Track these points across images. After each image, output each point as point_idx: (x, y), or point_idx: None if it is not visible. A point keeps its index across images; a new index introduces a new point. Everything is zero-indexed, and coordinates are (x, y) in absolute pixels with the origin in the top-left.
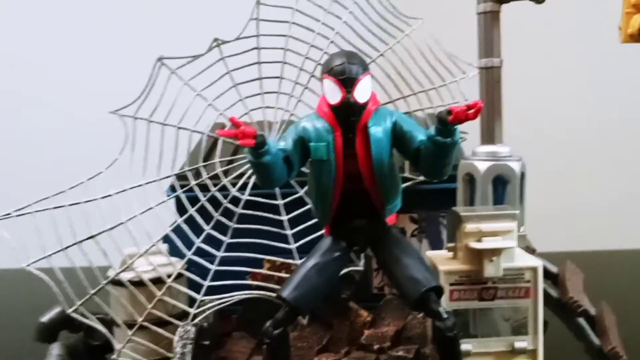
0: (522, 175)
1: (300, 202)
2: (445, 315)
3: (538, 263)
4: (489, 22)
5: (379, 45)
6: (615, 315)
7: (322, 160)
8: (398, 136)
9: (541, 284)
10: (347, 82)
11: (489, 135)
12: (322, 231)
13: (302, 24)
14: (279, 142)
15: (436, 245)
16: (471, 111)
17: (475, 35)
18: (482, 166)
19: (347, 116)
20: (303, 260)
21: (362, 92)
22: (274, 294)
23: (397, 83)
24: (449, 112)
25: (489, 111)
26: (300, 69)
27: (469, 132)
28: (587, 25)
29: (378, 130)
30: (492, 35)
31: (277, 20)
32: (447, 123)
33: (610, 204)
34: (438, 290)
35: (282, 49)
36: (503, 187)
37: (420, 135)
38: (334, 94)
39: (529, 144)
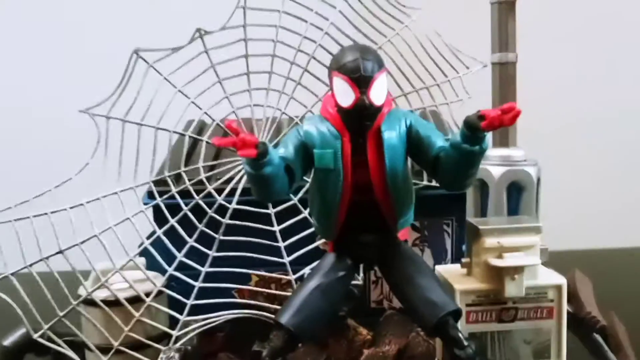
0: (538, 180)
1: (294, 210)
2: (465, 343)
3: (562, 281)
4: (504, 12)
5: (376, 38)
6: (624, 325)
7: (328, 169)
8: (414, 142)
9: (565, 303)
10: (361, 81)
11: (503, 137)
12: (319, 242)
13: (293, 14)
14: (279, 149)
15: (439, 255)
16: (507, 116)
17: (488, 26)
18: (496, 171)
19: (361, 120)
20: (304, 280)
21: (378, 93)
22: (264, 313)
23: (397, 79)
24: (482, 116)
25: None
26: (292, 63)
27: None
28: (605, 17)
29: (392, 136)
30: (507, 27)
31: (266, 8)
32: (478, 129)
33: (620, 203)
34: (456, 314)
35: (271, 40)
36: (518, 195)
37: (440, 141)
38: (346, 95)
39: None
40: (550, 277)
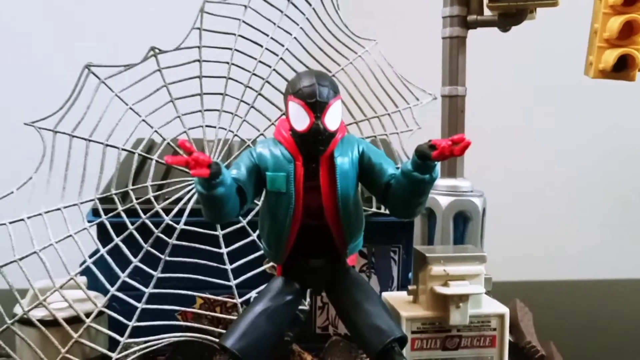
0: (484, 211)
1: (242, 233)
2: None
3: (505, 310)
4: (455, 47)
5: (330, 66)
6: (561, 355)
7: (280, 192)
8: (366, 168)
9: (507, 332)
10: (316, 107)
11: (451, 167)
12: (266, 266)
13: (249, 38)
14: (231, 170)
15: (386, 281)
16: (457, 146)
17: (440, 60)
18: (444, 201)
19: (315, 145)
20: (251, 303)
21: (332, 118)
22: (208, 336)
23: (349, 107)
24: (433, 146)
25: None
26: (246, 86)
27: None
28: (552, 55)
29: (345, 161)
30: (457, 61)
31: (222, 31)
32: (428, 158)
33: (560, 236)
34: (402, 341)
35: (226, 63)
36: (464, 224)
37: (391, 169)
38: (301, 119)
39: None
40: (493, 306)
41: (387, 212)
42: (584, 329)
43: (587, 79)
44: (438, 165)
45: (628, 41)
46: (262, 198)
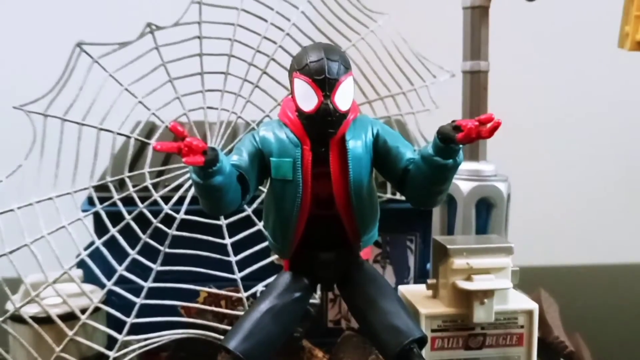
0: (508, 197)
1: (247, 222)
2: None
3: (534, 306)
4: (477, 18)
5: (340, 42)
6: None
7: (286, 180)
8: (381, 153)
9: (536, 329)
10: (325, 84)
11: (472, 150)
12: (273, 257)
13: (253, 12)
14: (232, 157)
15: (401, 272)
16: (485, 127)
17: (460, 33)
18: (465, 186)
19: (324, 127)
20: (256, 300)
21: (343, 97)
22: (212, 333)
23: (361, 85)
24: (457, 127)
25: None
26: (250, 64)
27: None
28: (579, 26)
29: (357, 145)
30: (479, 34)
31: (224, 5)
32: (452, 140)
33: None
34: (421, 341)
35: (228, 39)
36: (487, 212)
37: (409, 153)
38: (308, 99)
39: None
40: (521, 302)
41: (403, 198)
42: (611, 318)
43: (621, 52)
44: (462, 149)
45: None
46: (267, 186)
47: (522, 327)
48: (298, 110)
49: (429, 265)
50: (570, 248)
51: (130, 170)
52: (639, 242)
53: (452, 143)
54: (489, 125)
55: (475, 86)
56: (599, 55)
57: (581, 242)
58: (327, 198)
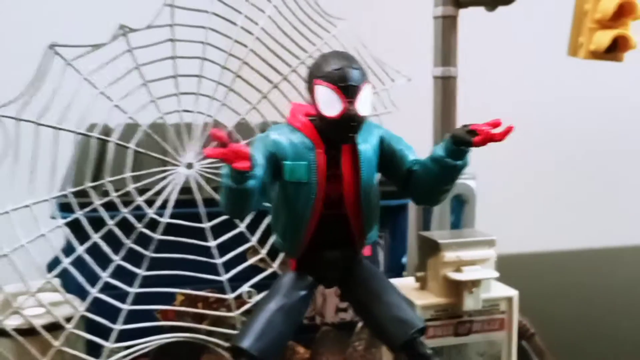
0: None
1: (230, 224)
2: (436, 359)
3: (513, 292)
4: (447, 27)
5: (306, 46)
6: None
7: (300, 182)
8: (387, 155)
9: (516, 314)
10: (349, 91)
11: None
12: (253, 260)
13: (223, 15)
14: None
15: None
16: (498, 131)
17: (431, 41)
18: None
19: (347, 132)
20: (263, 300)
21: (364, 103)
22: (197, 335)
23: None
24: (472, 131)
25: (444, 125)
26: (223, 67)
27: (417, 147)
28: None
29: (367, 148)
30: (449, 42)
31: (194, 8)
32: (469, 144)
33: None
34: (422, 331)
35: (201, 42)
36: (459, 208)
37: (411, 154)
38: (332, 105)
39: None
40: (502, 290)
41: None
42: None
43: (572, 59)
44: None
45: (619, 22)
46: (278, 189)
47: (503, 312)
48: (319, 115)
49: (404, 259)
50: (526, 237)
51: (111, 175)
52: (589, 228)
53: (466, 146)
54: (499, 129)
55: (447, 90)
56: (556, 58)
57: (535, 229)
58: (337, 198)
